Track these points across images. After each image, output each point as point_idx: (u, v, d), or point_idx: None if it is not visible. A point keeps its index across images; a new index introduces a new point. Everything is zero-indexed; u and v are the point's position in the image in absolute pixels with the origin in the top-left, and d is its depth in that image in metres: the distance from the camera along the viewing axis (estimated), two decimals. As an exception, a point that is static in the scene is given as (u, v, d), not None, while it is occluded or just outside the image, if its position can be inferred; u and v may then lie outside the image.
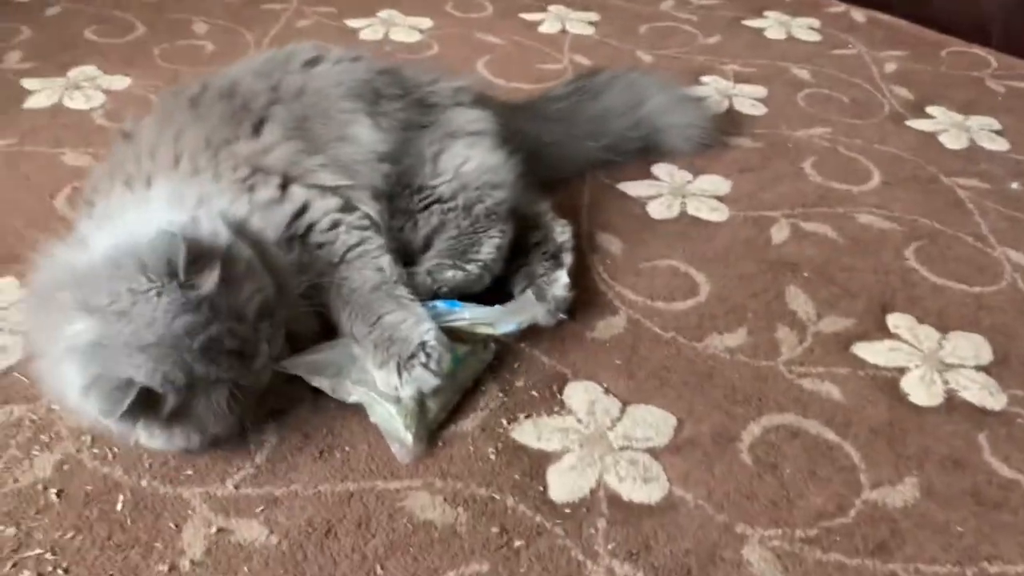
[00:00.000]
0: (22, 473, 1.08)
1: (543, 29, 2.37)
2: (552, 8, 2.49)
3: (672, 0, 2.60)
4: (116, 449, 1.11)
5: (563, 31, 2.36)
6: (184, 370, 1.01)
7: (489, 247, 1.37)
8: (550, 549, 1.02)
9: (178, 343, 1.00)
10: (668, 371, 1.28)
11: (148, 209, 1.14)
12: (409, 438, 1.11)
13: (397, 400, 1.13)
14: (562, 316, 1.33)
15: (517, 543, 1.03)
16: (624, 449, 1.16)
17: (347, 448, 1.13)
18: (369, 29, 2.32)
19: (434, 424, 1.16)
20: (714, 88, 2.09)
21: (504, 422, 1.18)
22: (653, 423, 1.20)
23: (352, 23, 2.34)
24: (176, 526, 1.03)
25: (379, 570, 0.99)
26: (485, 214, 1.40)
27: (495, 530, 1.04)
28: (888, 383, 1.29)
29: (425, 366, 1.13)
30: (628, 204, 1.67)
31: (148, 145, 1.28)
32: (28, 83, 1.94)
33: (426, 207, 1.39)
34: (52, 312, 1.06)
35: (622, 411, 1.21)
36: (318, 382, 1.15)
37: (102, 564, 0.98)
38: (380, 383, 1.14)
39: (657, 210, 1.65)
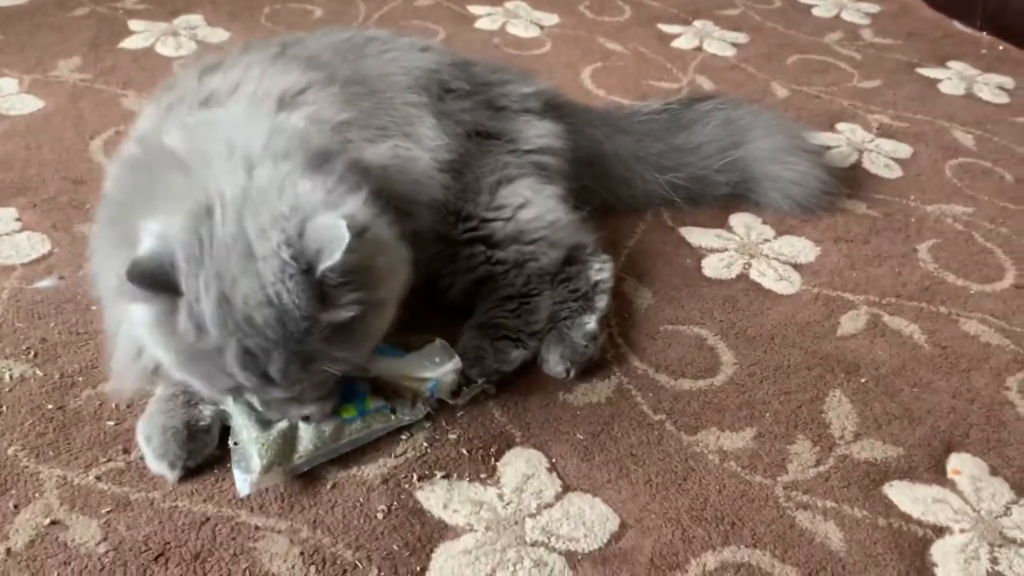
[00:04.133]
0: (-95, 411, 1.04)
1: (676, 44, 2.14)
2: (697, 23, 2.25)
3: (840, 33, 2.28)
4: (5, 408, 1.05)
5: (698, 48, 2.12)
6: None
7: (544, 312, 1.21)
8: (388, 647, 0.85)
9: None
10: (635, 461, 1.06)
11: None
12: (257, 466, 0.96)
13: (265, 426, 0.99)
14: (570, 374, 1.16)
15: (354, 628, 0.86)
16: (537, 545, 0.95)
17: (228, 466, 1.00)
18: (488, 18, 2.18)
19: (302, 467, 0.99)
20: (846, 138, 1.78)
21: (414, 477, 1.01)
22: (588, 521, 0.99)
23: (474, 9, 2.22)
24: (16, 507, 0.94)
25: (191, 616, 0.86)
26: (538, 273, 1.23)
27: (337, 605, 0.88)
28: (915, 544, 1.00)
29: None
30: (682, 253, 1.43)
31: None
32: (134, 24, 1.96)
33: (470, 241, 1.22)
34: None
35: (558, 497, 1.01)
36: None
37: (-78, 529, 0.91)
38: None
39: (713, 267, 1.41)
